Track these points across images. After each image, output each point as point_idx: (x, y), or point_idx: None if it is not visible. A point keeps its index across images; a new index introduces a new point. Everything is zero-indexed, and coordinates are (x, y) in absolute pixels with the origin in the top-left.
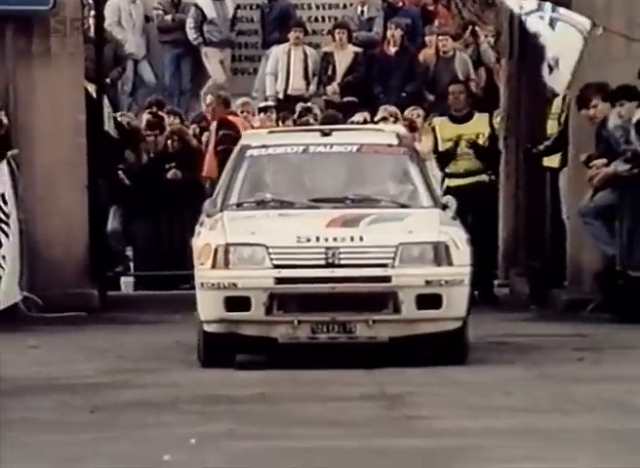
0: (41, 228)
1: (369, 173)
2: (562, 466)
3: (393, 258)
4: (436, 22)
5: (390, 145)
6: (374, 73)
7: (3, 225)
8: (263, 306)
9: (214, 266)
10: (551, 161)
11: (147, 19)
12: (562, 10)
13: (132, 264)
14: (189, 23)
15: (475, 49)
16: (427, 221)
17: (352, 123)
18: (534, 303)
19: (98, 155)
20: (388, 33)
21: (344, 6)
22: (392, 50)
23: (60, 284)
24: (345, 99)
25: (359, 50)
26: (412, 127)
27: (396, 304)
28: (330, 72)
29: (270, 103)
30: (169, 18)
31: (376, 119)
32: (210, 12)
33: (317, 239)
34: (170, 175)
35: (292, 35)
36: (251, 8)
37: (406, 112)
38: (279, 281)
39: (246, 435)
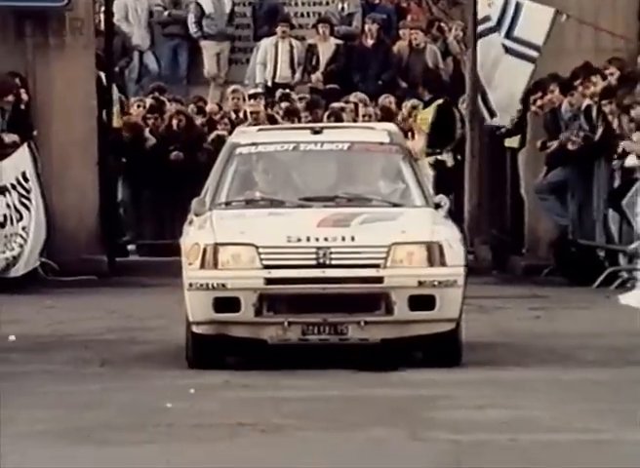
0: (57, 201)
1: (360, 171)
2: (522, 412)
3: (385, 259)
4: (409, 18)
5: (382, 143)
6: (353, 63)
7: (25, 200)
8: (253, 307)
9: (202, 266)
10: (512, 142)
11: (152, 14)
12: (524, 8)
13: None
14: (190, 18)
15: (443, 41)
16: (420, 221)
17: (332, 109)
18: (495, 268)
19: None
20: (366, 27)
21: (327, 3)
22: (370, 42)
23: (73, 251)
24: (328, 87)
25: (340, 42)
26: (388, 114)
27: (388, 305)
28: (314, 62)
29: (259, 90)
30: (166, 13)
31: (350, 101)
32: (208, 7)
33: (308, 239)
34: (173, 156)
35: (279, 29)
36: (244, 5)
37: (380, 100)
38: (269, 281)
39: (240, 385)
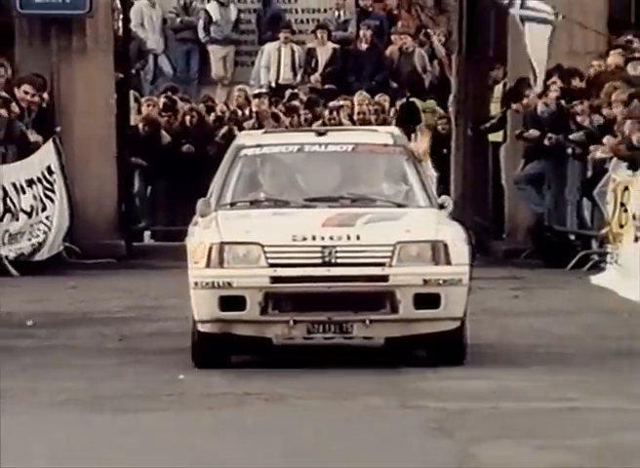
0: (79, 191)
1: (364, 172)
2: (502, 383)
3: (390, 257)
4: (399, 24)
5: (385, 145)
6: (349, 65)
7: (49, 192)
8: (259, 306)
9: (208, 265)
10: (495, 136)
11: (165, 21)
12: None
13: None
14: (200, 25)
15: (429, 46)
16: (425, 220)
17: (332, 107)
18: (478, 252)
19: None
20: (361, 33)
21: (325, 10)
22: (364, 46)
23: (94, 236)
24: (326, 87)
25: (337, 46)
26: (382, 110)
27: (393, 304)
28: (313, 65)
29: (264, 90)
30: (179, 20)
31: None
32: (215, 15)
33: (313, 238)
34: (184, 149)
35: (281, 35)
36: (249, 12)
37: (376, 98)
38: (274, 280)
39: (245, 359)
